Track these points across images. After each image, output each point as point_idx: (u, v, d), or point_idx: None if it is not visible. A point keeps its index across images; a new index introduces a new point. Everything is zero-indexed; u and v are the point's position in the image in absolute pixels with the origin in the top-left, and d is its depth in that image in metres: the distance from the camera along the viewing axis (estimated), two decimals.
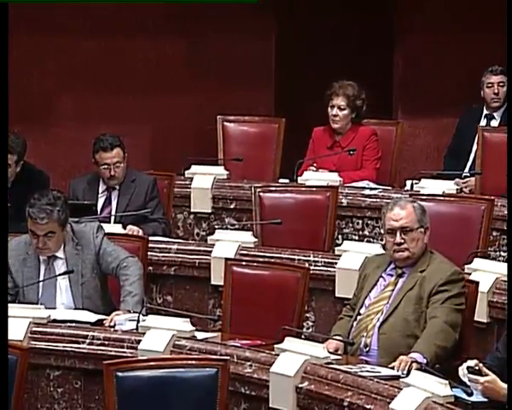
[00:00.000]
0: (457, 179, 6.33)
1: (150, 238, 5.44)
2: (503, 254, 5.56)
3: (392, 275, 4.56)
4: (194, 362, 4.03)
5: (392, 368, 4.19)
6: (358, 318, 4.54)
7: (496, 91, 6.71)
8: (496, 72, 6.73)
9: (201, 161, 6.40)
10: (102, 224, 5.11)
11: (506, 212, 5.64)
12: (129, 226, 5.58)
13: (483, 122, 6.79)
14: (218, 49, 7.36)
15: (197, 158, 6.43)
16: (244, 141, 6.75)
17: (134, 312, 4.68)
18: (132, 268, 4.82)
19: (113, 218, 5.75)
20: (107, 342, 4.58)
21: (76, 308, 4.85)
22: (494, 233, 5.59)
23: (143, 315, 4.66)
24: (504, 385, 3.83)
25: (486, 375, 3.85)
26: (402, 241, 4.47)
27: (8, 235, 4.39)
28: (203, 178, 6.26)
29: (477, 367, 3.85)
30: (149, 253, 5.30)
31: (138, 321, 4.61)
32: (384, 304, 4.50)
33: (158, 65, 7.29)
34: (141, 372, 3.98)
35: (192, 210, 6.23)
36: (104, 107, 7.14)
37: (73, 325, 4.67)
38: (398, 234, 4.48)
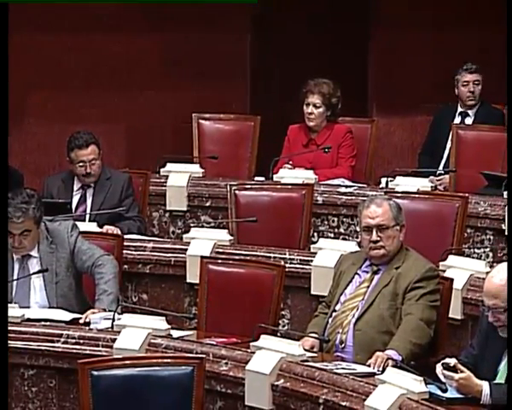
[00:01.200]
0: (432, 177, 6.36)
1: (125, 237, 5.43)
2: (477, 251, 5.59)
3: (367, 272, 4.58)
4: (169, 360, 4.03)
5: (369, 365, 4.20)
6: (334, 314, 4.55)
7: (471, 90, 6.74)
8: (471, 70, 6.76)
9: (177, 159, 6.38)
10: (77, 222, 5.09)
11: (480, 209, 5.67)
12: (105, 227, 5.55)
13: (457, 120, 6.83)
14: (193, 46, 7.35)
15: (172, 156, 6.41)
16: (219, 139, 6.74)
17: (109, 310, 4.67)
18: (107, 266, 4.80)
19: (87, 216, 5.72)
20: (81, 341, 4.56)
21: (50, 307, 4.82)
22: (468, 230, 5.61)
23: (118, 314, 4.64)
24: (479, 381, 3.86)
25: (461, 372, 3.87)
26: (378, 238, 4.49)
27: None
28: (178, 176, 6.25)
29: (452, 364, 3.87)
30: (124, 251, 5.28)
31: (113, 320, 4.59)
32: (359, 301, 4.51)
33: (132, 62, 7.27)
34: (116, 371, 3.96)
35: (167, 208, 6.22)
36: (77, 104, 7.11)
37: (48, 323, 4.65)
38: (374, 232, 4.49)
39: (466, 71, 6.75)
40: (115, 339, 4.50)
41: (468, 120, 6.84)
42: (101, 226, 5.56)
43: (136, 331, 4.49)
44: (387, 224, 4.50)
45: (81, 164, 5.76)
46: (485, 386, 3.84)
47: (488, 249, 5.58)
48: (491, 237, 5.64)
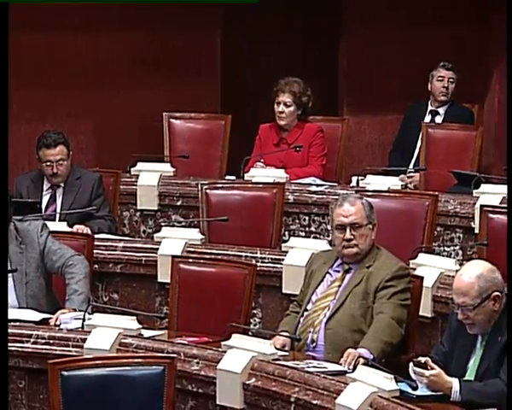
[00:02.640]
0: (402, 175, 6.39)
1: (96, 236, 5.40)
2: (447, 249, 5.63)
3: (338, 271, 4.58)
4: (140, 360, 4.01)
5: (341, 364, 4.21)
6: (305, 314, 4.55)
7: (445, 85, 6.80)
8: (447, 67, 6.82)
9: (147, 159, 6.37)
10: (47, 222, 5.06)
11: (450, 207, 5.71)
12: (76, 226, 5.53)
13: (427, 118, 6.86)
14: (164, 45, 7.33)
15: (143, 155, 6.39)
16: (190, 138, 6.73)
17: (79, 310, 4.64)
18: (78, 266, 4.78)
19: (57, 216, 5.69)
20: (51, 341, 4.54)
21: (20, 307, 4.79)
22: (438, 228, 5.64)
23: (89, 313, 4.62)
24: (449, 378, 3.88)
25: (432, 368, 3.89)
26: (351, 237, 4.49)
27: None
28: (149, 176, 6.23)
29: (423, 361, 3.89)
30: (95, 251, 5.26)
31: (84, 320, 4.57)
32: (331, 300, 4.52)
33: (102, 61, 7.23)
34: (86, 371, 3.94)
35: (138, 207, 6.20)
36: (46, 103, 7.06)
37: (17, 324, 4.62)
38: (347, 230, 4.50)
39: (443, 67, 6.82)
40: (85, 339, 4.48)
41: (438, 119, 6.88)
42: (71, 226, 5.53)
43: (106, 331, 4.47)
44: (361, 222, 4.51)
45: (48, 164, 5.73)
46: (454, 383, 3.87)
47: (458, 247, 5.61)
48: (461, 235, 5.67)
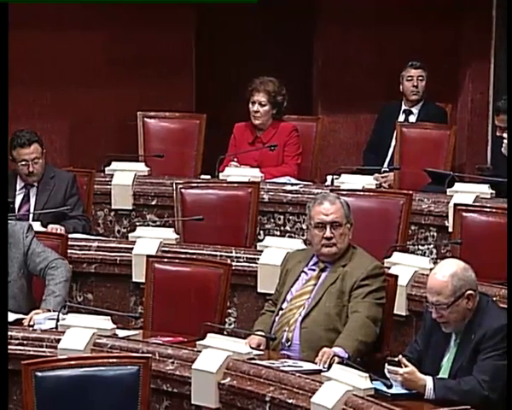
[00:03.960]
0: (377, 174, 6.41)
1: (70, 236, 5.38)
2: (421, 247, 5.65)
3: (314, 269, 4.59)
4: (115, 360, 4.00)
5: (316, 363, 4.22)
6: (280, 312, 4.55)
7: (415, 84, 6.83)
8: (415, 66, 6.85)
9: (122, 158, 6.35)
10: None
11: (424, 206, 5.74)
12: (50, 226, 5.50)
13: (401, 118, 6.89)
14: (138, 44, 7.30)
15: (117, 154, 6.37)
16: (165, 137, 6.72)
17: (54, 311, 4.62)
18: (60, 270, 4.78)
19: (31, 215, 5.66)
20: (25, 342, 4.51)
21: None
22: (412, 227, 5.67)
23: (63, 314, 4.60)
24: (423, 376, 3.90)
25: (406, 366, 3.91)
26: (332, 235, 4.50)
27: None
28: (124, 175, 6.21)
29: (397, 359, 3.91)
30: (69, 250, 5.24)
31: (58, 320, 4.55)
32: (306, 298, 4.52)
33: (76, 60, 7.19)
34: (61, 372, 3.93)
35: (113, 207, 6.18)
36: (19, 102, 7.02)
37: None
38: (328, 228, 4.50)
39: (410, 66, 6.85)
40: (60, 339, 4.46)
41: (412, 118, 6.91)
42: (45, 226, 5.50)
43: (80, 331, 4.46)
44: (341, 221, 4.53)
45: (23, 163, 5.70)
46: (428, 381, 3.89)
47: (432, 246, 5.64)
48: (435, 234, 5.70)
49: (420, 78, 6.83)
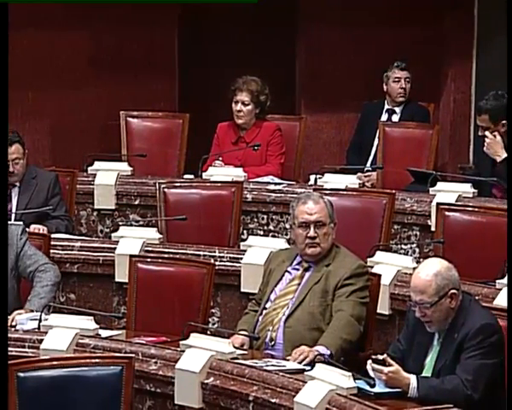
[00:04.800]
0: (360, 174, 6.42)
1: (53, 236, 5.37)
2: (404, 247, 5.66)
3: (298, 269, 4.59)
4: (98, 360, 3.99)
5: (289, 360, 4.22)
6: (264, 312, 4.55)
7: (403, 86, 6.83)
8: (402, 67, 6.85)
9: (104, 158, 6.33)
10: None
11: (407, 205, 5.75)
12: (32, 226, 5.48)
13: (384, 117, 6.90)
14: (120, 44, 7.29)
15: (100, 154, 6.36)
16: (148, 137, 6.71)
17: (37, 312, 4.61)
18: (49, 273, 4.79)
19: (13, 215, 5.64)
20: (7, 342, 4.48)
21: None
22: (395, 226, 5.68)
23: (46, 314, 4.58)
24: (407, 375, 3.91)
25: (390, 365, 3.92)
26: (315, 235, 4.50)
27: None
28: (106, 175, 6.19)
29: (381, 358, 3.92)
30: (52, 250, 5.22)
31: (40, 320, 4.53)
32: (290, 298, 4.52)
33: (58, 60, 7.17)
34: (43, 372, 3.91)
35: (95, 207, 6.17)
36: None
37: None
38: (312, 228, 4.50)
39: (397, 68, 6.85)
40: (42, 340, 4.45)
41: (395, 118, 6.92)
42: (27, 226, 5.47)
43: (63, 332, 4.44)
44: (325, 221, 4.53)
45: None
46: (412, 379, 3.90)
47: (415, 245, 5.65)
48: (418, 233, 5.71)
49: (407, 79, 6.84)
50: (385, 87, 6.87)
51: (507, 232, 4.82)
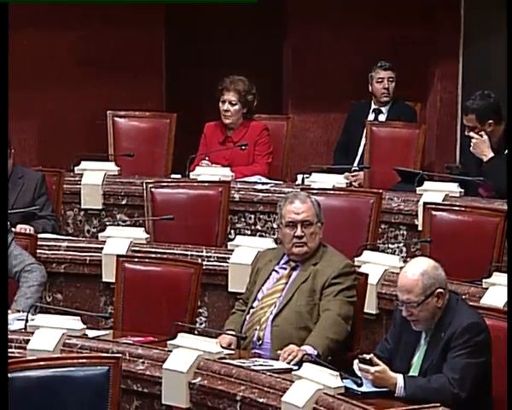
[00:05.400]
0: (347, 173, 6.43)
1: (39, 236, 5.35)
2: (391, 246, 5.67)
3: (285, 268, 4.59)
4: (85, 361, 3.97)
5: (283, 359, 4.22)
6: (251, 311, 4.55)
7: (386, 86, 6.85)
8: (385, 67, 6.87)
9: (91, 157, 6.32)
10: None
11: (394, 205, 5.76)
12: (19, 226, 5.47)
13: (371, 117, 6.91)
14: (108, 43, 7.28)
15: (87, 154, 6.35)
16: (135, 136, 6.70)
17: (23, 312, 4.59)
18: (35, 273, 4.77)
19: None
20: None
21: None
22: (383, 226, 5.69)
23: (32, 314, 4.57)
24: (394, 374, 3.92)
25: (377, 365, 3.92)
26: (302, 234, 4.50)
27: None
28: (93, 174, 6.18)
29: (368, 357, 3.92)
30: (38, 251, 5.21)
31: (27, 320, 4.52)
32: (277, 297, 4.53)
33: (44, 59, 7.15)
34: (30, 373, 3.89)
35: (82, 207, 6.15)
36: None
37: None
38: (299, 227, 4.50)
39: (380, 68, 6.86)
40: (29, 340, 4.43)
41: (382, 117, 6.94)
42: (14, 226, 5.46)
43: (50, 332, 4.43)
44: (312, 220, 4.53)
45: None
46: (399, 379, 3.91)
47: (402, 244, 5.66)
48: (405, 233, 5.72)
49: (390, 79, 6.86)
50: (370, 87, 6.89)
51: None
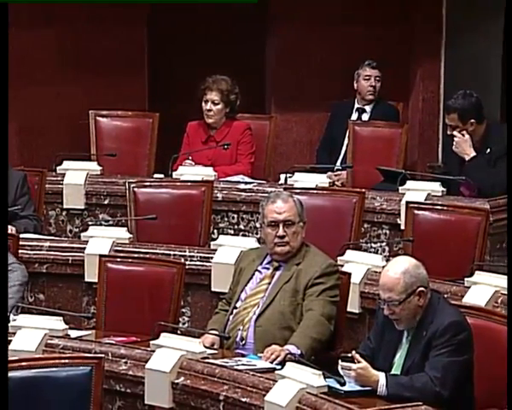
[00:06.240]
0: (330, 173, 6.44)
1: (21, 236, 5.33)
2: (373, 245, 5.69)
3: (268, 268, 4.59)
4: (67, 361, 3.96)
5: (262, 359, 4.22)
6: (235, 311, 4.55)
7: (373, 84, 6.86)
8: (373, 65, 6.88)
9: (74, 157, 6.30)
10: None
11: (376, 204, 5.77)
12: None
13: (354, 116, 6.92)
14: (90, 42, 7.25)
15: (69, 154, 6.33)
16: (117, 136, 6.68)
17: None
18: (16, 273, 4.75)
19: None
20: None
21: None
22: (365, 225, 5.70)
23: (14, 314, 4.55)
24: (376, 372, 3.93)
25: (359, 362, 3.93)
26: (284, 233, 4.50)
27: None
28: (76, 174, 6.16)
29: (351, 355, 3.93)
30: (20, 251, 5.18)
31: (8, 321, 4.50)
32: (260, 297, 4.53)
33: (26, 57, 7.12)
34: (12, 373, 3.87)
35: (64, 206, 6.13)
36: None
37: None
38: (281, 227, 4.51)
39: (368, 66, 6.88)
40: (10, 341, 4.41)
41: (365, 116, 6.95)
42: None
43: (32, 332, 4.42)
44: (294, 219, 4.53)
45: None
46: (381, 377, 3.92)
47: (384, 244, 5.68)
48: (388, 232, 5.74)
49: (377, 78, 6.87)
50: (355, 85, 6.90)
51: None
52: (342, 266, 4.92)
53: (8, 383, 3.74)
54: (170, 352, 4.26)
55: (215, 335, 4.51)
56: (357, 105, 6.93)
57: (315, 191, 5.62)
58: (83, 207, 6.12)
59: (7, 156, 4.45)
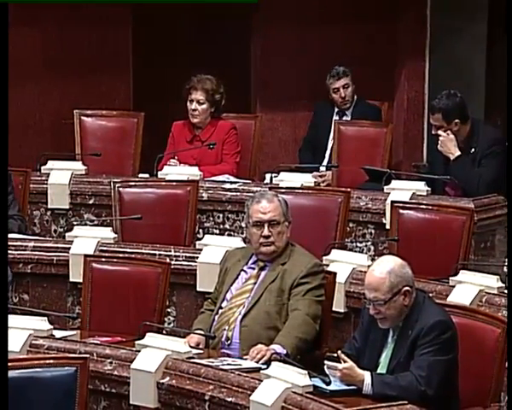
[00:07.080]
0: (315, 173, 6.44)
1: None
2: (359, 245, 5.70)
3: (253, 268, 4.60)
4: (52, 361, 3.95)
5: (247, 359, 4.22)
6: (220, 311, 4.55)
7: (342, 95, 6.84)
8: (338, 76, 6.84)
9: (58, 157, 6.28)
10: None
11: (362, 203, 5.78)
12: None
13: (336, 117, 6.92)
14: (74, 41, 7.23)
15: (54, 153, 6.31)
16: (102, 135, 6.67)
17: None
18: None
19: None
20: None
21: None
22: (351, 224, 5.71)
23: None
24: (361, 371, 3.93)
25: (345, 362, 3.94)
26: (269, 233, 4.50)
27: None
28: (60, 174, 6.15)
29: (336, 355, 3.93)
30: None
31: (7, 320, 4.48)
32: (246, 297, 4.53)
33: (10, 56, 7.05)
34: None
35: (49, 206, 6.12)
36: None
37: None
38: (266, 227, 4.51)
39: (333, 78, 6.84)
40: None
41: (347, 117, 6.95)
42: None
43: (16, 333, 4.40)
44: (278, 219, 4.53)
45: None
46: (366, 376, 3.92)
47: (369, 243, 5.69)
48: (373, 231, 5.75)
49: (345, 86, 6.85)
50: (329, 95, 6.89)
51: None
52: (327, 265, 4.92)
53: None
54: (155, 352, 4.26)
55: (200, 335, 4.51)
56: (337, 109, 6.93)
57: (300, 191, 5.63)
58: (67, 207, 6.10)
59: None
